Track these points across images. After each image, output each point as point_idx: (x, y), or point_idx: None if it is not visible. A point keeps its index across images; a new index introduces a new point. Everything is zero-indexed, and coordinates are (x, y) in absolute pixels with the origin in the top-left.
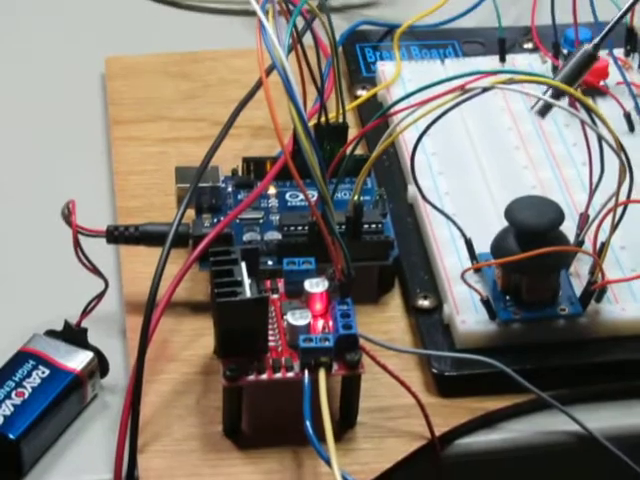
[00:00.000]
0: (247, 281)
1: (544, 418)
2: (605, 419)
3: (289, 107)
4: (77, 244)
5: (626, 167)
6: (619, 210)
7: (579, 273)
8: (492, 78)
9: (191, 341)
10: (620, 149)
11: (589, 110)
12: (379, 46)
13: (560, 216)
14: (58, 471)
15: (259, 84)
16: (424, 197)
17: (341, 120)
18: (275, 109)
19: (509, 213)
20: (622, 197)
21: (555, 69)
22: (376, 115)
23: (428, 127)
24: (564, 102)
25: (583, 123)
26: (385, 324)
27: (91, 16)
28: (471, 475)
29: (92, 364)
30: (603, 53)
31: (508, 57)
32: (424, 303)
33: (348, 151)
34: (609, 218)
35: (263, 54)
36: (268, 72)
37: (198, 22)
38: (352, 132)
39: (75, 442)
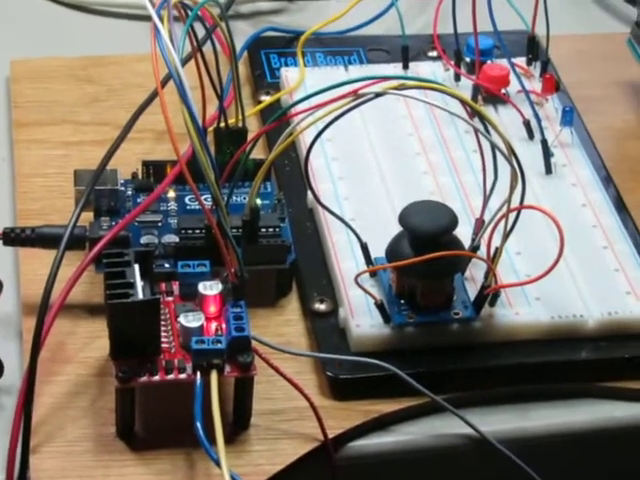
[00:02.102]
0: (140, 283)
1: (437, 421)
2: (498, 422)
3: (182, 111)
4: None
5: (517, 172)
6: (512, 216)
7: (474, 278)
8: (385, 83)
9: (87, 343)
10: (511, 154)
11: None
12: (284, 52)
13: (453, 221)
14: None
15: (155, 93)
16: (319, 201)
17: (240, 124)
18: (173, 113)
19: (403, 217)
20: (516, 203)
21: (457, 77)
22: (274, 116)
23: (322, 131)
24: (461, 110)
25: (476, 130)
26: (282, 327)
27: None
28: (365, 478)
29: None
30: (504, 61)
31: (412, 65)
32: (320, 307)
33: (246, 152)
34: (503, 223)
35: (158, 59)
36: (167, 78)
37: (104, 26)
38: (251, 135)
39: None
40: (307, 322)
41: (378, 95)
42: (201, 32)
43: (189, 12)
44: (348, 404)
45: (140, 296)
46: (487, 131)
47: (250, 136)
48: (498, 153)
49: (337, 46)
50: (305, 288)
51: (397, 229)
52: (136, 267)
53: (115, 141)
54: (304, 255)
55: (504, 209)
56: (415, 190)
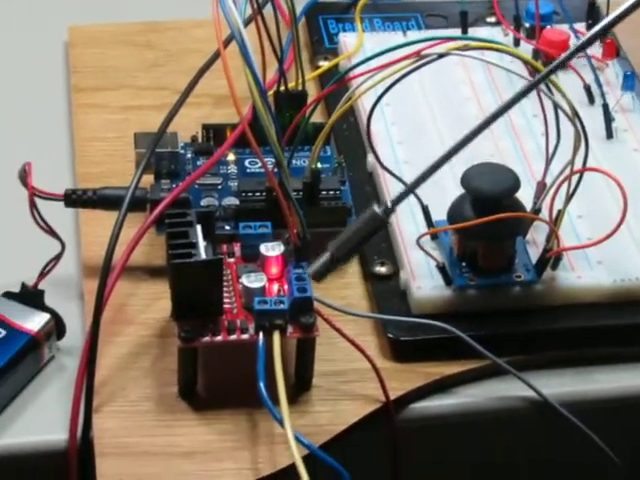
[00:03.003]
0: (202, 243)
1: (499, 384)
2: (559, 385)
3: (245, 72)
4: (32, 205)
5: (581, 134)
6: (575, 178)
7: (536, 241)
8: (448, 44)
9: (148, 305)
10: (574, 116)
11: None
12: (342, 18)
13: (516, 183)
14: (13, 431)
15: (218, 53)
16: (381, 164)
17: (300, 88)
18: (234, 78)
19: (465, 179)
20: (579, 166)
21: (517, 42)
22: (335, 78)
23: (384, 93)
24: (525, 72)
25: (539, 91)
26: (342, 290)
27: None
28: (425, 439)
29: (49, 326)
30: (564, 26)
31: (470, 30)
32: (381, 270)
33: (306, 116)
34: (565, 186)
35: (220, 22)
36: (227, 41)
37: None
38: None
39: (31, 403)
40: (367, 285)
41: (441, 56)
42: None
43: None
44: (409, 366)
45: (203, 256)
46: (549, 92)
47: (309, 101)
48: (561, 115)
49: (395, 12)
50: (365, 251)
51: (456, 193)
52: (198, 227)
53: (176, 104)
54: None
55: (567, 171)
56: (475, 154)
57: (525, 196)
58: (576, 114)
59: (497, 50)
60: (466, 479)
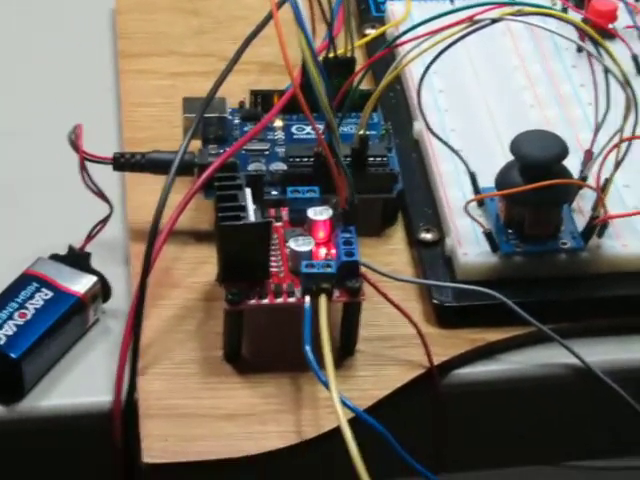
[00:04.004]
0: (251, 207)
1: (543, 351)
2: (603, 353)
3: (298, 35)
4: (83, 167)
5: (632, 101)
6: (623, 146)
7: (582, 209)
8: (501, 9)
9: (194, 269)
10: (626, 83)
11: (597, 45)
12: None
13: (564, 150)
14: (59, 392)
15: (268, 18)
16: (430, 129)
17: (349, 55)
18: (273, 45)
19: (514, 146)
20: (628, 134)
21: (565, 10)
22: (384, 45)
23: (436, 57)
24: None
25: (590, 56)
26: (388, 256)
27: None
28: (470, 405)
29: (95, 288)
30: None
31: None
32: (427, 236)
33: (355, 83)
34: (613, 155)
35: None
36: (279, 5)
37: None
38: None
39: (76, 364)
40: (413, 251)
41: (495, 21)
42: None
43: None
44: (454, 332)
45: (252, 219)
46: (600, 56)
47: (357, 68)
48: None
49: None
50: (411, 217)
51: (504, 161)
52: (248, 191)
53: (225, 69)
54: (410, 185)
55: (616, 139)
56: (522, 122)
57: (572, 165)
58: (627, 81)
59: (551, 16)
60: (508, 446)
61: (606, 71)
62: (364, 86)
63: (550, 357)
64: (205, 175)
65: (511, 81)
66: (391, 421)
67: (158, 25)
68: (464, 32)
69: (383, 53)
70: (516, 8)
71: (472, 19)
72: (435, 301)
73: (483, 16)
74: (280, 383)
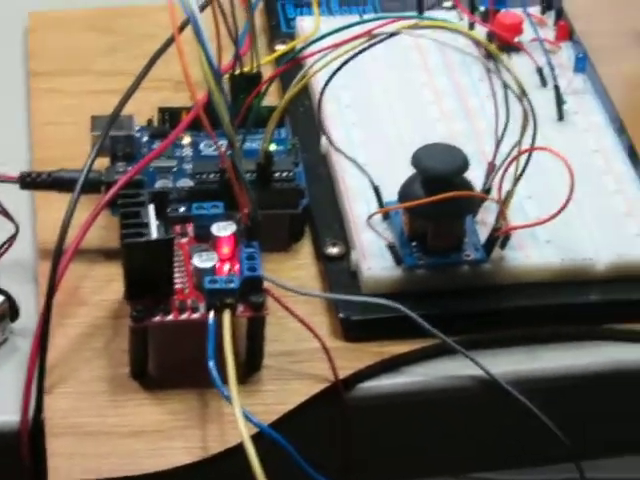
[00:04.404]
0: (154, 223)
1: (448, 363)
2: (507, 364)
3: (199, 53)
4: None
5: (529, 114)
6: (524, 159)
7: (485, 222)
8: (399, 23)
9: (102, 286)
10: (523, 95)
11: (496, 60)
12: (300, 2)
13: (465, 163)
14: None
15: (171, 40)
16: (333, 144)
17: (255, 71)
18: (191, 63)
19: (415, 159)
20: (527, 146)
21: (472, 25)
22: (287, 59)
23: (334, 73)
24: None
25: (488, 70)
26: (295, 271)
27: None
28: (376, 418)
29: (2, 307)
30: (519, 10)
31: (427, 13)
32: (333, 250)
33: (259, 97)
34: (514, 168)
35: (175, 6)
36: (183, 26)
37: None
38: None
39: None
40: (320, 266)
41: (392, 35)
42: None
43: None
44: (359, 345)
45: (154, 235)
46: (498, 71)
47: None
48: (511, 96)
49: None
50: (318, 232)
51: (408, 173)
52: (151, 207)
53: (130, 87)
54: (317, 200)
55: (515, 152)
56: (428, 136)
57: (477, 176)
58: (524, 94)
59: (447, 29)
60: (414, 457)
61: (505, 86)
62: (275, 102)
63: (455, 369)
64: (110, 193)
65: (419, 95)
66: (297, 435)
67: (71, 43)
68: (362, 46)
69: (286, 67)
70: (414, 22)
71: (370, 33)
72: (341, 315)
73: (382, 30)
74: (186, 399)
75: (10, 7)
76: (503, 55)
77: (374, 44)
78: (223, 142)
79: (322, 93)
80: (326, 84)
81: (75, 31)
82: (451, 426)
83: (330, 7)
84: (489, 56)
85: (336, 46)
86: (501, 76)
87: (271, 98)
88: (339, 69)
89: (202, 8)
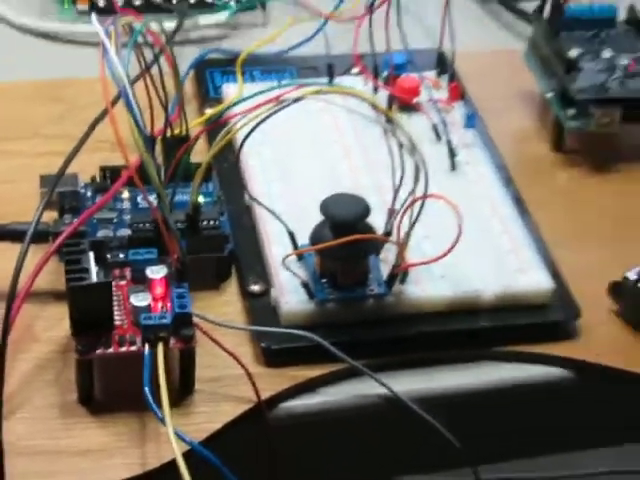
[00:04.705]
0: (94, 269)
1: (357, 384)
2: (408, 383)
3: (129, 118)
4: None
5: (420, 166)
6: (418, 205)
7: (387, 260)
8: (304, 90)
9: (52, 325)
10: (414, 151)
11: (391, 120)
12: (226, 71)
13: (366, 209)
14: None
15: (105, 112)
16: (251, 197)
17: (184, 133)
18: (123, 126)
19: (323, 207)
20: (421, 193)
21: (375, 89)
22: (212, 119)
23: (247, 136)
24: (381, 117)
25: (386, 131)
26: (223, 307)
27: None
28: (295, 435)
29: None
30: (416, 74)
31: (337, 79)
32: (255, 288)
33: (187, 155)
34: (413, 211)
35: (106, 75)
36: (114, 101)
37: (65, 52)
38: (200, 144)
39: None
40: (244, 302)
41: (297, 100)
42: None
43: (139, 46)
44: (279, 371)
45: (94, 279)
46: (394, 131)
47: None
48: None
49: (272, 65)
50: (242, 272)
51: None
52: (91, 255)
53: (73, 149)
54: (242, 244)
55: (410, 199)
56: (337, 188)
57: (380, 221)
58: (415, 150)
59: (345, 93)
60: (335, 473)
61: (400, 144)
62: (203, 160)
63: (363, 389)
64: (57, 242)
65: (330, 152)
66: (226, 452)
67: (19, 112)
68: (274, 109)
69: (211, 127)
70: (317, 88)
71: (279, 99)
72: (262, 345)
73: (289, 95)
74: (128, 421)
75: None
76: (402, 115)
77: (284, 107)
78: (153, 197)
79: (240, 149)
80: (243, 141)
81: (26, 100)
82: (365, 442)
83: (253, 75)
84: (388, 118)
85: (252, 109)
86: (397, 135)
87: (200, 156)
88: (254, 128)
89: (134, 80)
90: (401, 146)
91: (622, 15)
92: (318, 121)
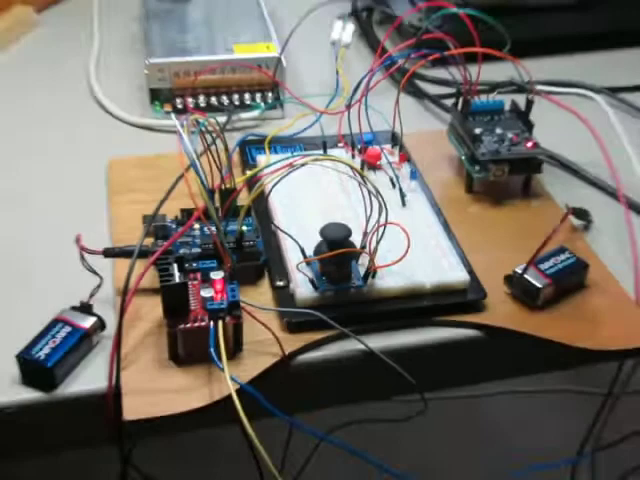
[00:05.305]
0: (177, 274)
1: (345, 343)
2: (378, 342)
3: (197, 179)
4: (82, 258)
5: (382, 204)
6: (382, 228)
7: (364, 264)
8: (307, 158)
9: (151, 309)
10: (377, 194)
11: (363, 177)
12: (259, 147)
13: (349, 232)
14: (76, 384)
15: (180, 176)
16: (276, 227)
17: (232, 186)
18: (191, 183)
19: (321, 231)
20: (383, 221)
21: (353, 156)
22: (249, 177)
23: (275, 184)
24: (357, 175)
25: (360, 183)
26: (259, 296)
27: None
28: (307, 379)
29: (95, 324)
30: (378, 147)
31: (329, 151)
32: (280, 283)
33: (235, 200)
34: (378, 233)
35: (182, 153)
36: (187, 167)
37: (157, 138)
38: (243, 193)
39: (87, 367)
40: (273, 292)
41: (303, 165)
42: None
43: (204, 135)
44: (296, 335)
45: (176, 281)
46: (365, 183)
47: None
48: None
49: (288, 143)
50: (271, 273)
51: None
52: (175, 265)
53: (163, 198)
54: (271, 256)
55: (376, 226)
56: (330, 219)
57: (358, 239)
58: (378, 193)
59: (333, 160)
60: (331, 397)
61: (369, 191)
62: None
63: (349, 346)
64: (153, 257)
65: (326, 195)
66: (263, 389)
67: (131, 174)
68: (288, 171)
69: (249, 183)
70: (315, 157)
71: (292, 164)
72: (285, 319)
73: (297, 162)
74: (200, 370)
75: (97, 155)
76: (370, 172)
77: (295, 169)
78: (213, 227)
79: (268, 195)
80: (270, 191)
81: (134, 167)
82: (350, 379)
83: (276, 149)
84: (361, 175)
85: (277, 170)
86: (367, 185)
87: (243, 201)
88: (277, 183)
89: (200, 155)
90: (369, 192)
91: (507, 106)
92: (317, 177)
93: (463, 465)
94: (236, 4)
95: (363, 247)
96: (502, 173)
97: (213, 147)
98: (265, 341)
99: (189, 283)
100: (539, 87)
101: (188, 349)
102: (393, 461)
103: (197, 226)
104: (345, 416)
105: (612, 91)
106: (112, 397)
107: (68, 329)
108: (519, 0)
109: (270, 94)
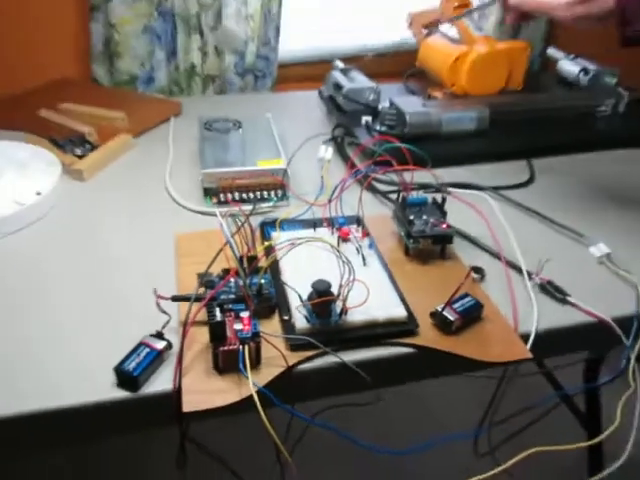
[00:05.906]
0: (219, 314)
1: (328, 358)
2: (350, 357)
3: (232, 253)
4: (157, 304)
5: (351, 269)
6: (351, 283)
7: (339, 305)
8: (303, 240)
9: (202, 336)
10: (347, 262)
11: (338, 250)
12: (273, 226)
13: (329, 286)
14: (152, 387)
15: (219, 251)
16: (283, 283)
17: (254, 254)
18: (228, 253)
19: (312, 285)
20: (351, 279)
21: (332, 233)
22: (265, 247)
23: (284, 254)
24: (335, 249)
25: (336, 255)
26: (272, 327)
27: (168, 212)
28: (305, 381)
29: (165, 346)
30: (348, 227)
31: (318, 230)
32: (285, 317)
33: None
34: (349, 286)
35: (224, 236)
36: (226, 243)
37: (205, 220)
38: (262, 259)
39: (159, 375)
40: (281, 324)
41: (300, 243)
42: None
43: (237, 219)
44: (296, 353)
45: (218, 319)
46: (340, 254)
47: (258, 259)
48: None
49: (291, 224)
50: (280, 311)
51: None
52: (217, 308)
53: (210, 262)
54: (280, 299)
55: (347, 281)
56: (317, 277)
57: (336, 290)
58: (348, 260)
59: (319, 240)
60: (320, 392)
61: (342, 259)
62: (263, 264)
63: (330, 360)
64: (203, 302)
65: (315, 263)
66: (274, 390)
67: (192, 245)
68: (292, 246)
69: (267, 253)
70: (308, 238)
71: (294, 243)
72: (289, 342)
73: (297, 241)
74: (234, 378)
75: (169, 231)
76: (343, 244)
77: (297, 245)
78: (241, 281)
79: (279, 261)
80: (280, 258)
81: (194, 240)
82: (332, 381)
83: (284, 227)
84: (337, 250)
85: (285, 245)
86: (341, 255)
87: (263, 263)
88: (285, 254)
89: (234, 234)
90: (343, 261)
91: (430, 200)
92: (311, 249)
93: (409, 436)
94: (258, 134)
95: (339, 295)
96: (427, 244)
97: (242, 227)
98: (275, 357)
99: (226, 320)
100: (450, 188)
101: (225, 363)
102: (360, 435)
103: (232, 280)
104: (327, 403)
105: (495, 190)
106: (176, 395)
107: (148, 350)
108: (436, 131)
109: (280, 191)
